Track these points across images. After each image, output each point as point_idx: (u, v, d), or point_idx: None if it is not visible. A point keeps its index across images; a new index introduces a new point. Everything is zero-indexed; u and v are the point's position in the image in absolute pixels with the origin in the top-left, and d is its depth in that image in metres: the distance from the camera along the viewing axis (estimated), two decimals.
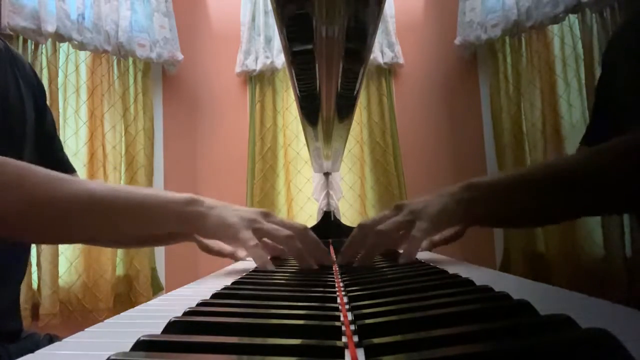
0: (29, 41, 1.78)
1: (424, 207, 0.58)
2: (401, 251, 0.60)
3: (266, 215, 0.60)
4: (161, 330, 0.27)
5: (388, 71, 2.17)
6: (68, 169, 0.84)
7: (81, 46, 1.89)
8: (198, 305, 0.34)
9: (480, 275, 0.45)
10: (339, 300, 0.36)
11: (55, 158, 0.83)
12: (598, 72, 0.92)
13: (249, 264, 0.75)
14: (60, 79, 1.88)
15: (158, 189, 0.59)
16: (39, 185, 0.51)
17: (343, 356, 0.22)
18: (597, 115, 0.88)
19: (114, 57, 2.03)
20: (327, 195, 1.62)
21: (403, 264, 0.56)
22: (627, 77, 0.75)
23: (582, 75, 1.83)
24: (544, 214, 0.64)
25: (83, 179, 0.54)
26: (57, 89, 1.84)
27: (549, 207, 0.60)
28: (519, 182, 0.60)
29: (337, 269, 0.58)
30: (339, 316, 0.30)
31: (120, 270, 1.95)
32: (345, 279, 0.47)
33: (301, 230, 0.59)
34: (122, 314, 0.35)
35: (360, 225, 0.63)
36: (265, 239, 0.60)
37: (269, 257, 0.57)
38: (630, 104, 0.74)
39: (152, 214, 0.55)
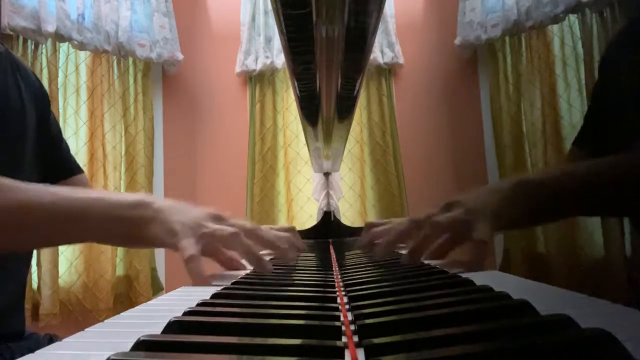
0: (29, 41, 1.78)
1: (481, 206, 0.54)
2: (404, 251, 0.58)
3: (217, 218, 0.54)
4: (161, 330, 0.27)
5: (388, 71, 2.17)
6: (76, 171, 0.86)
7: (81, 46, 1.89)
8: (198, 305, 0.34)
9: (480, 275, 0.45)
10: (339, 300, 0.36)
11: (62, 161, 0.84)
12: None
13: (249, 264, 0.75)
14: (60, 79, 1.88)
15: (109, 192, 0.55)
16: None
17: (343, 356, 0.22)
18: (591, 120, 0.89)
19: (114, 57, 2.03)
20: (327, 195, 1.62)
21: (468, 271, 0.49)
22: (622, 86, 0.75)
23: (582, 75, 1.83)
24: (591, 211, 0.66)
25: (20, 183, 0.52)
26: (57, 89, 1.84)
27: (599, 204, 0.60)
28: (571, 181, 0.58)
29: (337, 269, 0.58)
30: (339, 316, 0.30)
31: (120, 270, 1.95)
32: (345, 279, 0.47)
33: (249, 228, 0.55)
34: (122, 314, 0.35)
35: (412, 219, 0.59)
36: (222, 249, 0.57)
37: (203, 271, 0.50)
38: (624, 112, 0.75)
39: (95, 220, 0.51)
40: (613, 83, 0.79)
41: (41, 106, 0.79)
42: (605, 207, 0.66)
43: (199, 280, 0.49)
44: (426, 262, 0.58)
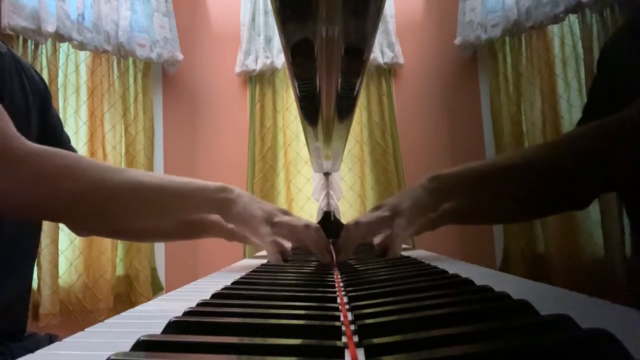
0: (29, 41, 1.78)
1: (399, 202, 0.62)
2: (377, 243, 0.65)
3: (285, 213, 0.66)
4: (161, 330, 0.27)
5: (388, 71, 2.17)
6: None
7: (81, 46, 1.89)
8: (198, 305, 0.34)
9: (480, 275, 0.45)
10: (339, 300, 0.36)
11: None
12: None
13: (249, 263, 0.75)
14: (60, 79, 1.88)
15: (193, 179, 0.65)
16: (86, 175, 0.55)
17: (343, 356, 0.22)
18: (589, 113, 0.89)
19: (114, 57, 2.03)
20: (327, 195, 1.61)
21: (393, 259, 0.60)
22: (620, 79, 0.76)
23: (582, 75, 1.83)
24: (510, 206, 0.67)
25: (125, 168, 0.58)
26: (57, 89, 1.84)
27: (516, 197, 0.63)
28: (485, 172, 0.62)
29: (337, 269, 0.58)
30: (339, 316, 0.30)
31: (120, 270, 1.95)
32: (345, 279, 0.47)
33: (316, 226, 0.66)
34: (122, 314, 0.35)
35: (345, 226, 0.67)
36: (280, 239, 0.66)
37: (281, 257, 0.63)
38: (622, 106, 0.75)
39: (190, 199, 0.62)
40: (612, 76, 0.80)
41: (43, 101, 0.80)
42: (529, 199, 0.66)
43: (276, 260, 0.62)
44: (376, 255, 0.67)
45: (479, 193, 0.63)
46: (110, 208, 0.58)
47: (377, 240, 0.70)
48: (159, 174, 0.65)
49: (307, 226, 0.64)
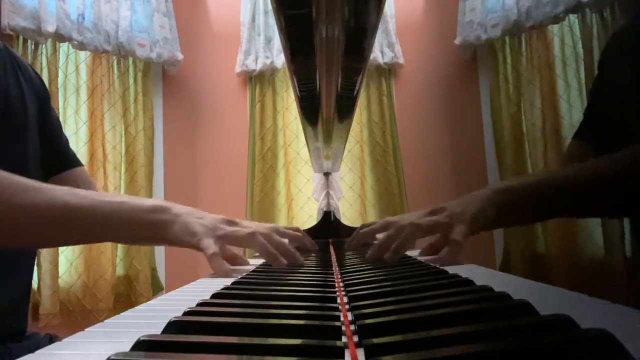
0: (29, 41, 1.78)
1: (461, 210, 0.60)
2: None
3: (230, 223, 0.62)
4: (161, 330, 0.27)
5: (388, 71, 2.17)
6: (76, 163, 0.86)
7: (81, 46, 1.89)
8: (198, 305, 0.34)
9: (480, 275, 0.45)
10: (339, 300, 0.36)
11: (62, 153, 0.85)
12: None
13: (249, 264, 0.75)
14: (60, 79, 1.88)
15: (127, 196, 0.61)
16: (10, 193, 0.50)
17: (343, 356, 0.22)
18: (591, 113, 0.90)
19: (114, 57, 2.03)
20: (327, 195, 1.61)
21: (441, 265, 0.55)
22: (622, 79, 0.76)
23: (582, 75, 1.83)
24: (575, 214, 0.69)
25: (50, 185, 0.54)
26: (57, 89, 1.84)
27: (582, 208, 0.64)
28: (551, 186, 0.62)
29: (337, 269, 0.58)
30: (339, 316, 0.30)
31: (120, 270, 1.95)
32: (345, 279, 0.47)
33: (265, 229, 0.62)
34: (122, 314, 0.35)
35: (389, 222, 0.66)
36: (229, 247, 0.62)
37: (228, 266, 0.58)
38: (623, 106, 0.75)
39: (119, 222, 0.56)
40: (613, 76, 0.80)
41: (41, 100, 0.79)
42: (580, 210, 0.69)
43: (223, 273, 0.56)
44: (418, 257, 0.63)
45: (544, 209, 0.64)
46: (28, 231, 0.53)
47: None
48: (89, 193, 0.57)
49: (252, 234, 0.60)
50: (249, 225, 0.63)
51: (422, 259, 0.65)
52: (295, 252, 0.64)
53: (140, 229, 0.57)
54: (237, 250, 0.70)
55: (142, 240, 0.62)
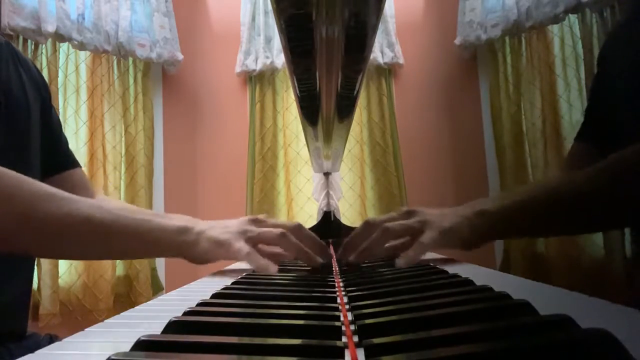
0: (29, 41, 1.78)
1: (436, 219, 0.59)
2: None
3: (256, 222, 0.60)
4: (161, 330, 0.27)
5: (388, 71, 2.17)
6: (74, 164, 0.85)
7: (81, 46, 1.89)
8: (198, 305, 0.34)
9: (480, 275, 0.45)
10: (339, 300, 0.36)
11: (61, 154, 0.84)
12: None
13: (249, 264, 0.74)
14: (60, 79, 1.88)
15: (154, 213, 0.59)
16: (31, 201, 0.49)
17: (343, 356, 0.22)
18: (592, 113, 0.89)
19: (114, 57, 2.03)
20: (327, 195, 1.61)
21: (401, 266, 0.55)
22: (622, 77, 0.75)
23: (582, 75, 1.83)
24: (551, 234, 0.67)
25: (73, 196, 0.53)
26: (57, 89, 1.84)
27: (560, 229, 0.63)
28: (532, 209, 0.60)
29: (337, 269, 0.58)
30: (339, 316, 0.30)
31: (120, 270, 1.95)
32: (345, 279, 0.47)
33: (294, 228, 0.60)
34: (122, 314, 0.35)
35: (366, 222, 0.63)
36: (261, 246, 0.60)
37: (268, 261, 0.56)
38: (625, 104, 0.75)
39: (146, 242, 0.55)
40: (612, 75, 0.79)
41: (43, 97, 0.78)
42: (565, 228, 0.68)
43: (265, 269, 0.54)
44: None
45: (525, 231, 0.63)
46: (47, 242, 0.52)
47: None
48: (113, 208, 0.56)
49: (284, 234, 0.58)
50: (276, 223, 0.62)
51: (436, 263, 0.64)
52: (324, 246, 0.64)
53: (165, 249, 0.57)
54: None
55: (164, 256, 0.61)
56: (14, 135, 0.68)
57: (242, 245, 0.55)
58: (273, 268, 0.55)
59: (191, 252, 0.56)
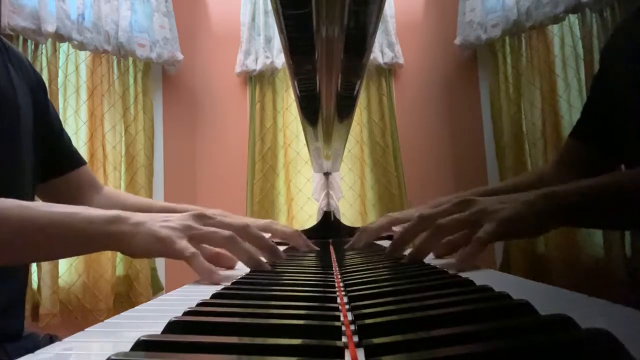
0: (29, 41, 1.78)
1: (495, 209, 0.52)
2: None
3: (201, 218, 0.55)
4: (161, 330, 0.27)
5: (388, 71, 2.17)
6: (79, 163, 0.84)
7: (81, 46, 1.89)
8: (198, 305, 0.34)
9: (480, 275, 0.45)
10: (339, 300, 0.36)
11: (64, 153, 0.83)
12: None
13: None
14: (60, 79, 1.88)
15: (82, 207, 0.54)
16: None
17: (343, 356, 0.22)
18: (589, 113, 0.89)
19: (114, 57, 2.03)
20: (327, 195, 1.61)
21: (460, 268, 0.50)
22: (623, 78, 0.75)
23: (582, 75, 1.83)
24: (616, 225, 0.63)
25: None
26: (57, 89, 1.84)
27: (626, 220, 0.58)
28: (601, 194, 0.55)
29: (337, 269, 0.58)
30: (339, 316, 0.30)
31: (120, 270, 1.95)
32: (345, 279, 0.47)
33: (242, 228, 0.56)
34: (122, 314, 0.35)
35: (420, 216, 0.58)
36: (205, 245, 0.56)
37: (213, 266, 0.52)
38: (624, 103, 0.74)
39: (74, 235, 0.51)
40: (613, 74, 0.79)
41: (37, 98, 0.75)
42: (627, 222, 0.63)
43: (208, 275, 0.49)
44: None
45: (593, 219, 0.58)
46: None
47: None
48: (39, 205, 0.52)
49: (232, 239, 0.53)
50: (227, 221, 0.56)
51: (436, 263, 0.59)
52: (275, 247, 0.59)
53: (96, 241, 0.52)
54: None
55: (100, 250, 0.56)
56: (2, 133, 0.66)
57: (184, 245, 0.50)
58: (216, 276, 0.49)
59: (126, 244, 0.51)
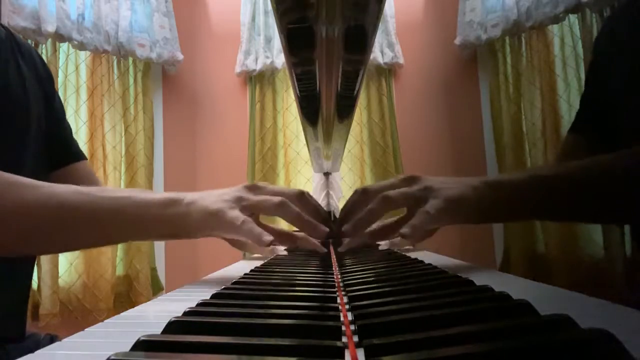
0: (29, 41, 1.77)
1: (442, 187, 0.51)
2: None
3: (253, 189, 0.54)
4: (161, 330, 0.27)
5: (388, 71, 2.17)
6: (80, 157, 0.84)
7: (81, 46, 1.89)
8: (198, 305, 0.34)
9: (480, 275, 0.45)
10: (339, 300, 0.36)
11: (65, 145, 0.82)
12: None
13: (249, 264, 0.75)
14: (60, 79, 1.88)
15: (133, 190, 0.53)
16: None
17: (343, 356, 0.22)
18: (586, 104, 0.88)
19: (114, 57, 2.03)
20: (327, 195, 1.61)
21: (405, 236, 0.48)
22: (618, 67, 0.75)
23: (582, 75, 1.83)
24: (563, 216, 0.60)
25: (45, 183, 0.49)
26: (57, 89, 1.84)
27: (573, 211, 0.55)
28: (547, 184, 0.53)
29: (337, 269, 0.58)
30: (339, 316, 0.30)
31: (120, 270, 1.95)
32: (345, 278, 0.47)
33: (295, 195, 0.54)
34: (122, 314, 0.35)
35: (363, 189, 0.56)
36: (262, 220, 0.55)
37: (263, 231, 0.50)
38: (621, 94, 0.74)
39: (132, 220, 0.50)
40: (607, 63, 0.79)
41: (45, 86, 0.76)
42: (578, 213, 0.59)
43: (258, 239, 0.48)
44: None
45: (540, 210, 0.55)
46: (22, 235, 0.48)
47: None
48: (91, 189, 0.50)
49: (282, 204, 0.51)
50: (275, 190, 0.55)
51: (436, 263, 0.57)
52: (328, 219, 0.57)
53: (153, 226, 0.50)
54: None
55: (154, 237, 0.55)
56: (12, 128, 0.67)
57: (236, 214, 0.49)
58: (267, 238, 0.48)
59: (183, 226, 0.50)
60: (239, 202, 0.51)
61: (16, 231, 0.48)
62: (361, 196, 0.56)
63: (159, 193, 0.52)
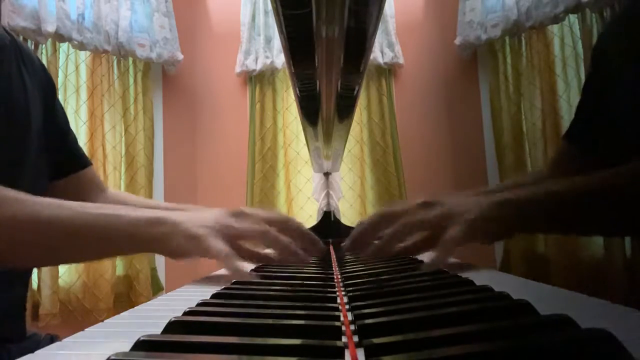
0: (29, 41, 1.77)
1: (461, 211, 0.52)
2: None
3: (239, 215, 0.54)
4: (161, 330, 0.27)
5: (388, 71, 2.17)
6: (85, 164, 0.84)
7: (81, 46, 1.89)
8: (198, 305, 0.34)
9: (480, 275, 0.45)
10: (339, 300, 0.36)
11: (69, 154, 0.82)
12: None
13: (249, 264, 0.75)
14: (60, 79, 1.88)
15: (120, 207, 0.54)
16: None
17: (343, 356, 0.22)
18: (581, 113, 0.87)
19: (114, 57, 2.03)
20: (327, 195, 1.62)
21: (429, 270, 0.49)
22: (614, 77, 0.74)
23: (582, 75, 1.83)
24: (578, 231, 0.61)
25: (40, 198, 0.51)
26: (57, 89, 1.84)
27: (588, 227, 0.56)
28: (559, 202, 0.53)
29: (337, 269, 0.58)
30: (339, 316, 0.30)
31: (120, 270, 1.95)
32: (345, 278, 0.47)
33: (281, 222, 0.55)
34: (122, 314, 0.35)
35: (381, 214, 0.57)
36: (244, 242, 0.56)
37: (246, 268, 0.51)
38: (619, 105, 0.74)
39: (120, 238, 0.51)
40: (605, 73, 0.78)
41: (46, 94, 0.76)
42: (590, 228, 0.61)
43: (240, 276, 0.49)
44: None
45: (552, 224, 0.56)
46: (9, 249, 0.48)
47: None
48: (78, 205, 0.51)
49: (266, 233, 0.52)
50: (261, 216, 0.55)
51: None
52: (316, 238, 0.57)
53: (140, 244, 0.51)
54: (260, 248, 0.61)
55: (138, 252, 0.56)
56: (13, 137, 0.66)
57: (216, 243, 0.49)
58: (247, 275, 0.49)
59: (166, 245, 0.50)
60: (223, 229, 0.51)
61: (6, 248, 0.48)
62: (380, 219, 0.56)
63: (150, 212, 0.53)
